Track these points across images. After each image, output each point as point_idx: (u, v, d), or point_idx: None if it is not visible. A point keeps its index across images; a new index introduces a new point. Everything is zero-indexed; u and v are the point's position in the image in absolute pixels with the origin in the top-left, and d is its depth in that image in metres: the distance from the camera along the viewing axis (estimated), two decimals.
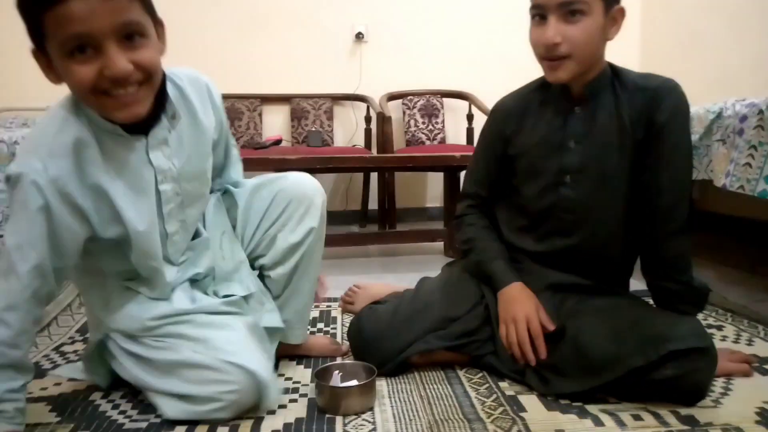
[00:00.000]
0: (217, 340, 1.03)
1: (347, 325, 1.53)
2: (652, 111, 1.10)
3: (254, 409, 1.03)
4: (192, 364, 1.01)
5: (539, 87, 1.24)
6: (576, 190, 1.17)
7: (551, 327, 1.14)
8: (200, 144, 1.09)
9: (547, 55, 1.09)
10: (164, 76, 0.99)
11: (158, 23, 0.94)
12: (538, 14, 1.09)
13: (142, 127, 0.98)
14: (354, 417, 1.03)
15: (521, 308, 1.15)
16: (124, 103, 0.89)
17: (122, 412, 1.06)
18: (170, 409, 1.01)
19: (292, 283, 1.23)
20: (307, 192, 1.21)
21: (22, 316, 0.92)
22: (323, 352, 1.33)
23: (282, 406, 1.07)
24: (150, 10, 0.91)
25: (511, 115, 1.25)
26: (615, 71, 1.16)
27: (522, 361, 1.14)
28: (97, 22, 0.82)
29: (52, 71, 0.89)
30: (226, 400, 0.99)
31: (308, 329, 1.34)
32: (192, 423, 1.00)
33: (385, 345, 1.19)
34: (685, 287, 1.15)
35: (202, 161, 1.11)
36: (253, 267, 1.23)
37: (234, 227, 1.22)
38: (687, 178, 1.14)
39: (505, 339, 1.17)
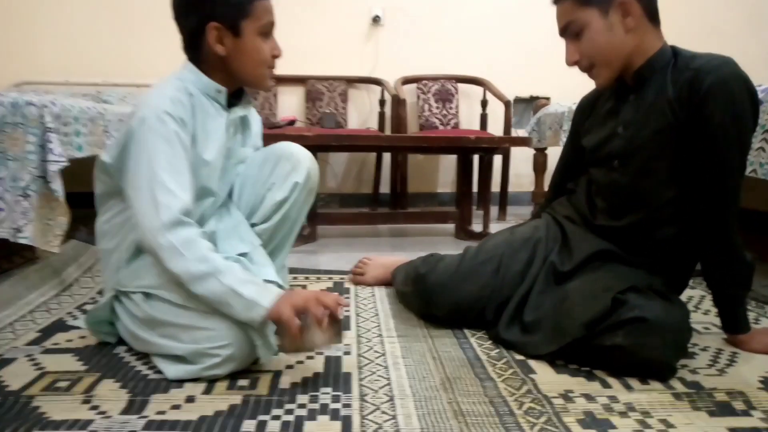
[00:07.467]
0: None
1: (359, 295, 1.57)
2: (692, 91, 1.09)
3: (253, 360, 1.05)
4: (182, 325, 1.04)
5: None
6: (623, 174, 1.21)
7: None
8: (247, 137, 1.30)
9: (580, 71, 1.20)
10: None
11: None
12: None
13: (231, 102, 1.20)
14: (369, 373, 1.06)
15: None
16: (272, 75, 1.21)
17: (146, 363, 1.10)
18: (171, 371, 1.04)
19: (275, 239, 1.27)
20: (294, 152, 1.27)
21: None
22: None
23: (299, 362, 1.11)
24: None
25: (584, 108, 1.37)
26: (675, 53, 1.17)
27: None
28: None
29: (220, 43, 1.12)
30: (221, 355, 1.01)
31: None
32: (209, 380, 1.03)
33: (446, 294, 1.29)
34: (726, 260, 1.14)
35: (244, 150, 1.29)
36: None
37: (230, 195, 1.27)
38: (730, 163, 1.10)
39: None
